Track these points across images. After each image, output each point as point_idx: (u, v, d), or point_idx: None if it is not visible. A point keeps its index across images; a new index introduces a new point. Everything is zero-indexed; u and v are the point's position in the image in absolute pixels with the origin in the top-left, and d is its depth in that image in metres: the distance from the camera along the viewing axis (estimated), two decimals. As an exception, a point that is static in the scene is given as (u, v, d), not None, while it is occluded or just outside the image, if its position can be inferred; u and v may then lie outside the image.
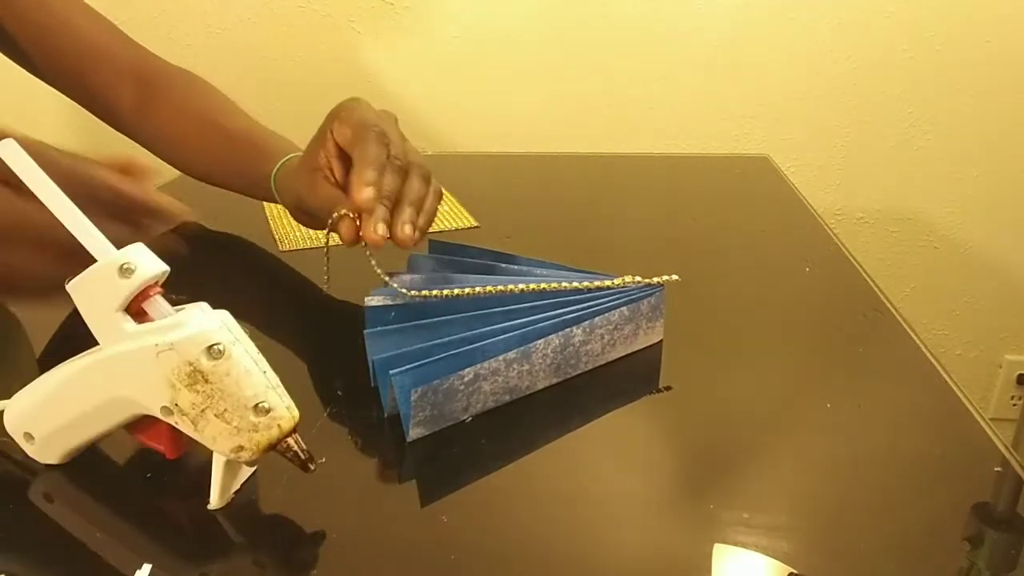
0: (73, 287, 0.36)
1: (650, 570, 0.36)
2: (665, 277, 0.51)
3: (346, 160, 0.51)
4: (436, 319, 0.47)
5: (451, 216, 0.77)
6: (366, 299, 0.48)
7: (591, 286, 0.49)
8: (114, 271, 0.35)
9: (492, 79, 1.30)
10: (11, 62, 0.74)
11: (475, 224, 0.75)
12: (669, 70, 1.28)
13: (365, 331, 0.46)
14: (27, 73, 0.75)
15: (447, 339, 0.44)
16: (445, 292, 0.48)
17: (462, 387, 0.43)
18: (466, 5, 1.26)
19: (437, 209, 0.52)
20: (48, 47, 0.71)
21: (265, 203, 0.81)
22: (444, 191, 0.84)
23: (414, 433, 0.43)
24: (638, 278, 0.50)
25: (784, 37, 1.25)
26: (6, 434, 0.44)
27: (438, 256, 0.54)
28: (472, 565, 0.36)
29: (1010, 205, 1.33)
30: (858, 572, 0.36)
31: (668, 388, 0.49)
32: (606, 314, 0.48)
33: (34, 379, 0.41)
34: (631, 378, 0.50)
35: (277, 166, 0.62)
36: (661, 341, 0.53)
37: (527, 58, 1.28)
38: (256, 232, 0.74)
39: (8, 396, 0.41)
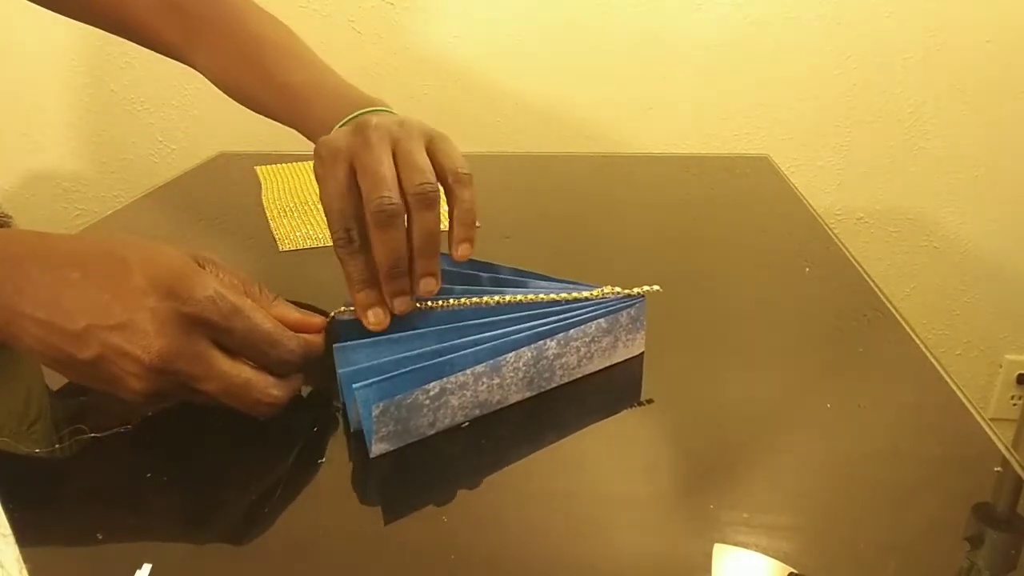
0: None
1: (650, 570, 0.36)
2: (646, 288, 0.50)
3: None
4: (408, 332, 0.46)
5: (451, 216, 0.77)
6: (334, 312, 0.47)
7: (568, 297, 0.49)
8: None
9: (492, 79, 1.30)
10: (11, 57, 0.73)
11: (475, 224, 0.75)
12: (669, 70, 1.28)
13: (334, 345, 0.45)
14: (27, 73, 0.74)
15: (416, 352, 0.43)
16: (418, 304, 0.47)
17: (427, 402, 0.42)
18: (466, 5, 1.26)
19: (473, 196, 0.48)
20: None
21: (265, 204, 0.81)
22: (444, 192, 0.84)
23: (377, 449, 0.42)
24: (617, 289, 0.49)
25: (784, 37, 1.25)
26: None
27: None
28: (472, 565, 0.36)
29: (1010, 205, 1.33)
30: (858, 572, 0.36)
31: (660, 386, 0.49)
32: (582, 326, 0.47)
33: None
34: (627, 378, 0.50)
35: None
36: (654, 344, 0.53)
37: (527, 58, 1.28)
38: (256, 232, 0.74)
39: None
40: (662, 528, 0.39)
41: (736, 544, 0.37)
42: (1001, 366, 1.45)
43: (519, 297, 0.48)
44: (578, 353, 0.48)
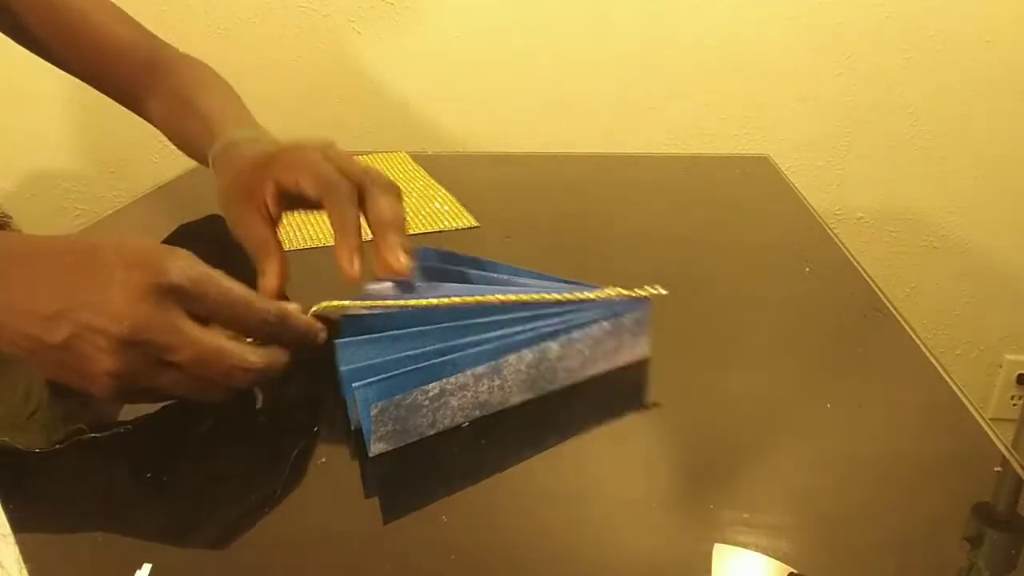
0: None
1: (650, 570, 0.36)
2: (651, 290, 0.49)
3: (285, 200, 0.53)
4: (411, 330, 0.45)
5: (451, 216, 0.77)
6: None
7: (571, 298, 0.48)
8: None
9: (492, 79, 1.30)
10: (11, 57, 0.75)
11: (475, 224, 0.75)
12: (669, 70, 1.28)
13: (336, 341, 0.45)
14: (27, 73, 0.76)
15: (418, 351, 0.43)
16: (422, 302, 0.46)
17: (427, 402, 0.42)
18: (467, 5, 1.26)
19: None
20: (67, 43, 0.74)
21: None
22: (444, 191, 0.84)
23: (376, 448, 0.42)
24: (622, 290, 0.49)
25: (784, 37, 1.25)
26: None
27: (420, 263, 0.53)
28: (471, 565, 0.36)
29: (1010, 205, 1.33)
30: (858, 572, 0.36)
31: (661, 383, 0.49)
32: (585, 328, 0.47)
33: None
34: (628, 379, 0.50)
35: (214, 150, 0.64)
36: (652, 344, 0.53)
37: (527, 58, 1.28)
38: (256, 232, 0.74)
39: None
40: (662, 528, 0.39)
41: (736, 544, 0.37)
42: (1001, 366, 1.45)
43: (522, 296, 0.48)
44: (581, 356, 0.48)
